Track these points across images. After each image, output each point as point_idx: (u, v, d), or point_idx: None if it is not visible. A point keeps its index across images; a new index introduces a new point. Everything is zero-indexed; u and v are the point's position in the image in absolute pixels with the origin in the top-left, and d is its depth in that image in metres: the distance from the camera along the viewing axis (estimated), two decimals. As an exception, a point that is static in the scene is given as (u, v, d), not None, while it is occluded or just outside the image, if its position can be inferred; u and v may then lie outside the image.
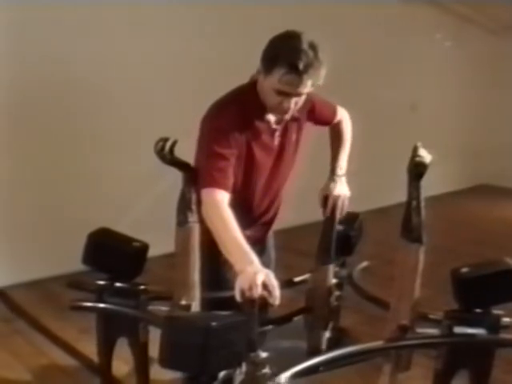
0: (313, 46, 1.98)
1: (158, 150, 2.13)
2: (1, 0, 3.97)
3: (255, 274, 1.78)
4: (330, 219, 2.53)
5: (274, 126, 2.29)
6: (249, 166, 2.26)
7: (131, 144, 4.61)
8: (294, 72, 1.97)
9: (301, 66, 1.95)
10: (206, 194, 2.07)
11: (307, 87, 2.03)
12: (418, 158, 1.95)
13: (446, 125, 8.33)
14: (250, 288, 1.76)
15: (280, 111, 2.16)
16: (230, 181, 2.11)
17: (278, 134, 2.30)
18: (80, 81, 4.36)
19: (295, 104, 2.11)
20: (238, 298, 1.81)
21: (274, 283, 1.80)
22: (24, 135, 4.26)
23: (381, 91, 6.77)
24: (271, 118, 2.27)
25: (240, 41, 4.83)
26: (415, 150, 1.97)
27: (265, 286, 1.78)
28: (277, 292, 1.79)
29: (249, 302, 1.79)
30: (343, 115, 2.63)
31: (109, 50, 4.48)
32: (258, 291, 1.76)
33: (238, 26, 5.04)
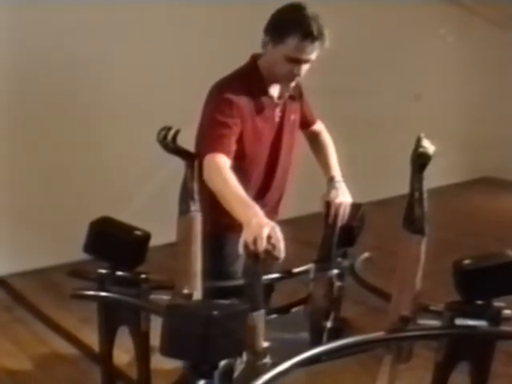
0: (316, 15, 2.18)
1: (161, 138, 2.13)
2: (1, 0, 3.97)
3: (260, 227, 1.77)
4: (330, 226, 2.53)
5: (276, 101, 2.38)
6: (252, 137, 2.32)
7: (133, 133, 4.61)
8: (309, 39, 2.14)
9: (315, 32, 2.13)
10: (208, 158, 2.12)
11: (316, 52, 2.20)
12: (421, 149, 1.93)
13: (449, 117, 8.30)
14: (255, 241, 1.74)
15: (289, 78, 2.29)
16: (232, 148, 2.17)
17: (278, 109, 2.40)
18: (82, 73, 4.38)
19: (303, 70, 2.27)
20: (241, 251, 1.79)
21: (280, 236, 1.79)
22: (25, 125, 4.27)
23: (385, 83, 6.75)
24: (273, 92, 2.37)
25: (241, 33, 4.80)
26: (418, 140, 1.96)
27: (269, 239, 1.76)
28: (282, 245, 1.78)
29: (253, 255, 1.76)
30: (322, 127, 2.75)
31: (111, 45, 4.49)
32: (263, 244, 1.74)
33: (238, 21, 5.01)
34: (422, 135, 1.98)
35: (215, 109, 2.23)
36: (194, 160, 2.19)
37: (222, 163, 2.10)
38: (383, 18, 6.51)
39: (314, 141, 2.72)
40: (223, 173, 2.07)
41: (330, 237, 2.52)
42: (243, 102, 2.26)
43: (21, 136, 4.26)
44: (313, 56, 2.21)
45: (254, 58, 2.37)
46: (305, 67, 2.26)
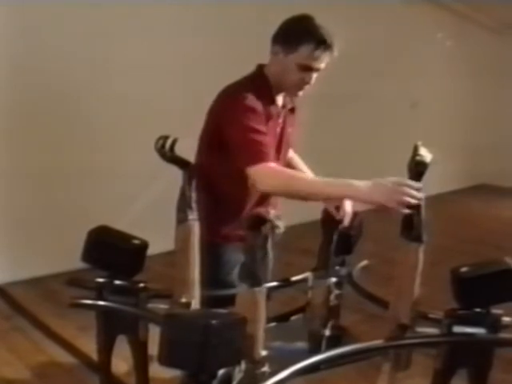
0: (324, 26, 2.23)
1: (159, 147, 2.13)
2: (1, 0, 3.98)
3: (389, 185, 1.91)
4: (330, 233, 2.52)
5: (280, 110, 2.40)
6: None
7: (131, 142, 4.62)
8: (322, 47, 2.19)
9: (328, 41, 2.19)
10: (259, 169, 2.10)
11: (326, 61, 2.25)
12: (418, 157, 1.94)
13: (446, 124, 8.32)
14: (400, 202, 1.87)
15: (299, 86, 2.32)
16: (271, 152, 2.19)
17: (281, 120, 2.41)
18: (80, 80, 4.37)
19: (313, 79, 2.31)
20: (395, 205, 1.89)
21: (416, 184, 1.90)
22: (24, 132, 4.26)
23: (381, 90, 6.77)
24: (278, 101, 2.39)
25: (241, 39, 4.83)
26: (416, 149, 1.97)
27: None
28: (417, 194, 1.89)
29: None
30: (294, 154, 2.75)
31: (110, 49, 4.50)
32: (416, 194, 1.87)
33: (239, 24, 5.03)
34: (420, 143, 1.99)
35: (246, 118, 2.18)
36: (191, 169, 2.19)
37: (275, 167, 2.13)
38: (380, 24, 6.53)
39: (290, 164, 2.69)
40: (289, 172, 2.17)
41: (328, 245, 2.52)
42: (261, 109, 2.26)
43: (19, 146, 4.26)
44: (323, 65, 2.26)
45: (261, 68, 2.38)
46: (314, 76, 2.29)
